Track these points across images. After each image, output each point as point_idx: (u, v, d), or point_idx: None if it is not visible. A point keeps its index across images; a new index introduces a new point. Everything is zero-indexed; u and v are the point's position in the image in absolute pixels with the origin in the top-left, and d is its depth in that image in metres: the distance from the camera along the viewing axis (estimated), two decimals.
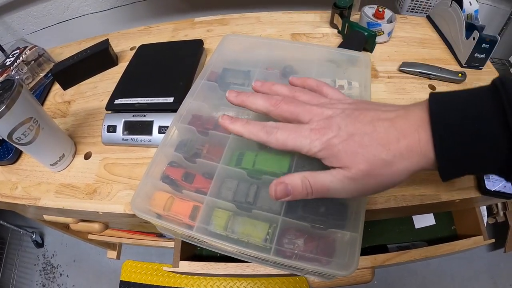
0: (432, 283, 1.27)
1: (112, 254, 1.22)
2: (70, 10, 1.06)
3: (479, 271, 1.26)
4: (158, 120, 0.60)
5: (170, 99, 0.60)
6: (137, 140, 0.60)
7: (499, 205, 1.20)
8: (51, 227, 0.95)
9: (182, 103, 0.50)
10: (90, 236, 1.10)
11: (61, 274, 1.38)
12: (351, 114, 0.33)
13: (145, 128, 0.59)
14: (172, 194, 0.44)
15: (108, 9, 1.03)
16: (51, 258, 1.42)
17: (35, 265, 1.40)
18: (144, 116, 0.60)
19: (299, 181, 0.33)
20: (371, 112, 0.32)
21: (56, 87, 0.81)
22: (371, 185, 0.31)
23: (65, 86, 0.80)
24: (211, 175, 0.43)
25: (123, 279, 1.25)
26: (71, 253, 1.41)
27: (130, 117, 0.61)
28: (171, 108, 0.60)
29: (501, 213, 1.19)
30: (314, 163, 0.43)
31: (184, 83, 0.63)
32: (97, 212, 0.59)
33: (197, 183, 0.44)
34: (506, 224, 1.18)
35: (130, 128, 0.61)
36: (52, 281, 1.36)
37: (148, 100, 0.61)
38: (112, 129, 0.62)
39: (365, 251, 0.62)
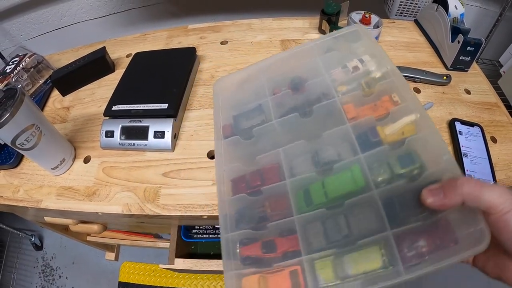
0: (426, 281, 1.29)
1: (111, 255, 1.23)
2: (68, 16, 1.08)
3: (472, 270, 1.26)
4: (153, 125, 0.62)
5: (165, 106, 0.63)
6: (134, 144, 0.63)
7: None
8: (50, 229, 0.97)
9: (215, 173, 0.45)
10: (88, 238, 1.12)
11: (60, 276, 1.39)
12: None
13: (141, 133, 0.62)
14: (261, 273, 0.38)
15: (105, 15, 1.05)
16: (50, 260, 1.43)
17: (34, 267, 1.42)
18: (140, 121, 0.63)
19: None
20: None
21: (55, 93, 0.84)
22: None
23: (64, 93, 0.82)
24: (290, 232, 0.38)
25: (122, 280, 1.27)
26: (70, 255, 1.43)
27: (127, 122, 0.64)
28: (165, 114, 0.62)
29: None
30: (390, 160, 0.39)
31: (177, 90, 0.66)
32: (97, 213, 0.61)
33: (281, 247, 0.39)
34: None
35: (127, 133, 0.63)
36: (51, 283, 1.38)
37: (144, 106, 0.64)
38: (110, 134, 0.64)
39: None
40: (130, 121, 0.63)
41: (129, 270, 1.29)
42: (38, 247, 1.44)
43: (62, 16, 1.08)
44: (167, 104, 0.63)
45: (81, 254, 1.42)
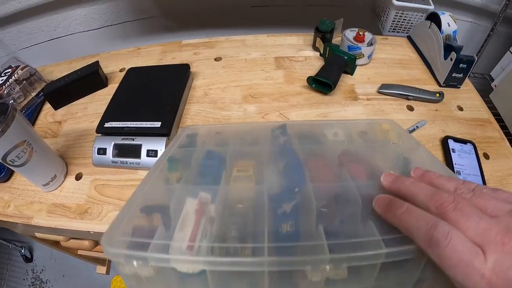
0: None
1: (102, 269, 1.21)
2: (61, 28, 1.07)
3: None
4: (146, 144, 0.62)
5: (158, 124, 0.62)
6: (126, 162, 0.62)
7: None
8: (40, 243, 0.95)
9: None
10: (79, 252, 1.10)
11: None
12: None
13: (134, 152, 0.62)
14: None
15: (98, 28, 1.05)
16: (40, 273, 1.40)
17: (24, 279, 1.39)
18: (133, 140, 0.62)
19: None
20: None
21: (47, 106, 0.83)
22: None
23: (56, 106, 0.81)
24: None
25: None
26: (60, 268, 1.40)
27: (119, 140, 0.63)
28: (159, 133, 0.62)
29: None
30: None
31: (171, 108, 0.66)
32: (88, 231, 0.60)
33: None
34: None
35: (120, 151, 0.63)
36: None
37: (137, 124, 0.63)
38: (102, 151, 0.64)
39: None
40: (122, 139, 0.63)
41: (121, 284, 1.27)
42: (28, 259, 1.41)
43: (56, 27, 1.07)
44: (160, 123, 0.62)
45: (71, 267, 1.39)
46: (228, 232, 0.30)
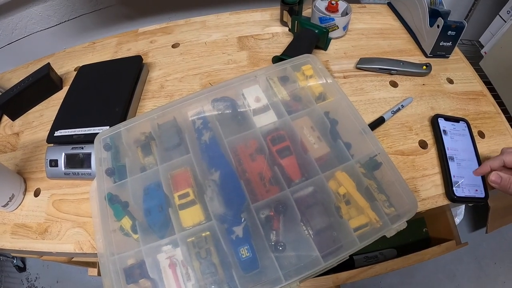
0: (414, 266, 1.24)
1: (93, 271, 1.18)
2: (18, 29, 1.00)
3: (462, 252, 1.24)
4: None
5: (106, 128, 0.56)
6: (78, 173, 0.57)
7: None
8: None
9: None
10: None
11: None
12: None
13: (84, 161, 0.56)
14: None
15: (56, 24, 0.98)
16: (35, 281, 1.39)
17: None
18: (82, 148, 0.57)
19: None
20: None
21: (6, 118, 0.77)
22: None
23: (13, 117, 0.75)
24: None
25: None
26: (53, 274, 1.39)
27: (69, 149, 0.57)
28: None
29: None
30: None
31: (121, 109, 0.59)
32: (51, 252, 0.56)
33: None
34: (486, 205, 1.13)
35: (70, 161, 0.57)
36: None
37: (85, 130, 0.57)
38: (54, 163, 0.58)
39: None
40: (72, 148, 0.57)
41: None
42: (21, 269, 1.40)
43: (13, 29, 1.00)
44: (108, 127, 0.56)
45: (64, 272, 1.38)
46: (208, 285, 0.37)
